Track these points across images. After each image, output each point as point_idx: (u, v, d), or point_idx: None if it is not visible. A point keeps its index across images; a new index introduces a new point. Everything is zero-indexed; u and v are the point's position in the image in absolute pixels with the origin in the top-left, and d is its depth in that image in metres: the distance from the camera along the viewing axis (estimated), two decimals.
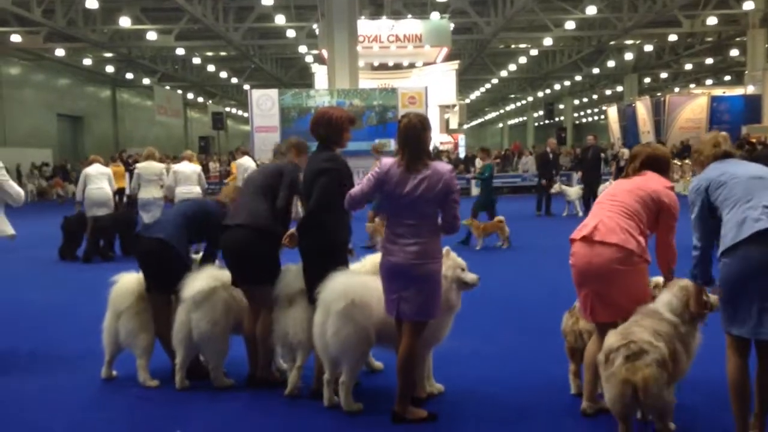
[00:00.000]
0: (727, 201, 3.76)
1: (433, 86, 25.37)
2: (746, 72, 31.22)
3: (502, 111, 68.74)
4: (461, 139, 34.82)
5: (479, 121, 74.54)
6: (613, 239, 4.15)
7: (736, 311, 3.67)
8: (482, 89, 52.82)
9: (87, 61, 36.26)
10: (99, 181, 11.68)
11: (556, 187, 17.07)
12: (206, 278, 5.01)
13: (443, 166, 4.28)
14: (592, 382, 4.34)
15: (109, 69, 39.17)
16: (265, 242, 4.92)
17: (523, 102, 60.33)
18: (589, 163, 16.77)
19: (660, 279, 4.49)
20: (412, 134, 4.24)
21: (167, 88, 42.37)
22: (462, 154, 30.95)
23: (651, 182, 4.32)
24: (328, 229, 4.66)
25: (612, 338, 3.84)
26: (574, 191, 17.02)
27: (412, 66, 30.24)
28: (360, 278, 4.58)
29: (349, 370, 4.47)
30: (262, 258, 4.92)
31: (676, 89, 42.66)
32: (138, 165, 12.24)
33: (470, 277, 4.65)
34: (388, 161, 4.33)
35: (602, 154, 17.68)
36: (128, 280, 5.33)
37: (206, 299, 4.95)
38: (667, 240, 4.32)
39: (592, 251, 4.18)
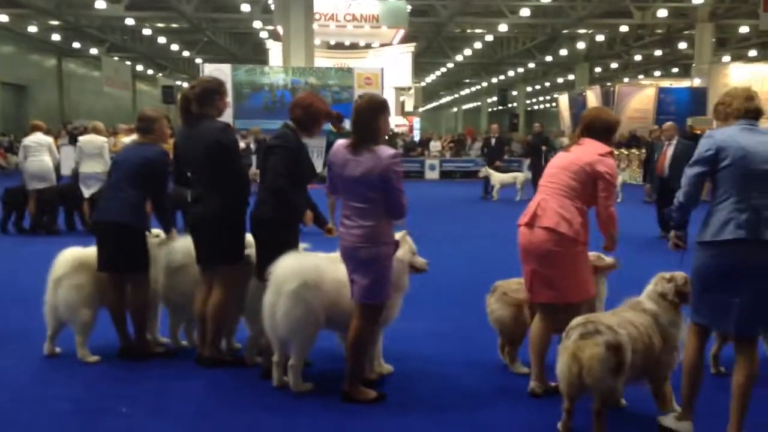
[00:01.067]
0: (723, 186, 3.69)
1: (389, 68, 25.33)
2: (693, 65, 32.04)
3: (456, 95, 69.05)
4: (416, 122, 34.89)
5: (434, 104, 74.72)
6: (545, 223, 4.30)
7: (702, 302, 3.78)
8: (438, 73, 52.93)
9: (32, 29, 34.96)
10: (38, 152, 11.25)
11: (483, 171, 17.81)
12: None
13: (385, 152, 4.15)
14: (538, 363, 4.45)
15: (56, 37, 37.84)
16: (222, 223, 4.88)
17: (478, 87, 60.71)
18: (533, 150, 17.65)
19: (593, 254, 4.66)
20: (360, 116, 4.19)
21: (116, 59, 41.19)
22: (417, 137, 31.04)
23: (585, 154, 4.35)
24: (276, 206, 4.67)
25: (577, 318, 3.91)
26: (499, 176, 17.68)
27: (368, 46, 30.10)
28: (313, 259, 4.57)
29: (298, 351, 4.47)
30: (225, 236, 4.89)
31: (626, 79, 43.56)
32: (80, 138, 11.84)
33: (420, 261, 4.72)
34: (341, 142, 4.30)
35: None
36: (69, 254, 5.21)
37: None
38: (606, 207, 4.32)
39: (531, 234, 4.38)
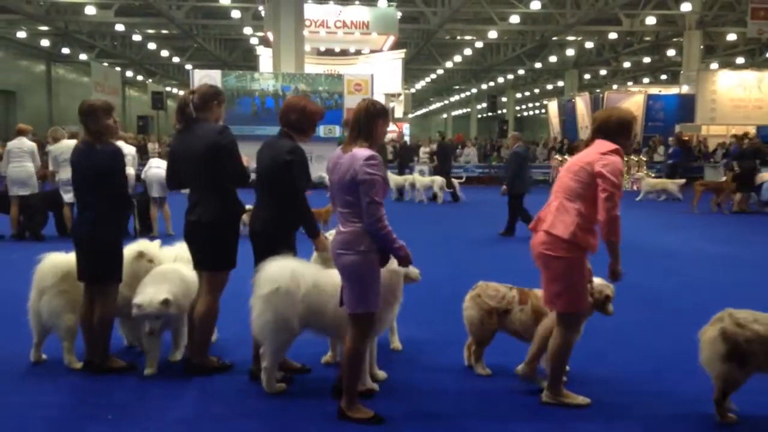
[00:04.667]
0: None
1: (379, 74, 25.29)
2: (681, 72, 32.24)
3: (446, 102, 69.18)
4: (406, 128, 34.91)
5: (424, 111, 74.84)
6: (544, 226, 4.32)
7: None
8: (428, 79, 53.04)
9: (21, 34, 34.84)
10: (20, 158, 11.16)
11: (410, 177, 19.91)
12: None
13: (360, 153, 3.99)
14: (536, 354, 4.68)
15: (45, 43, 37.71)
16: (218, 230, 4.87)
17: (467, 93, 60.85)
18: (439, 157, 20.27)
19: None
20: (358, 117, 4.11)
21: (105, 64, 41.02)
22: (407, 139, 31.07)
23: (588, 154, 4.27)
24: (281, 221, 4.76)
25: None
26: (421, 180, 19.53)
27: (358, 53, 30.11)
28: (293, 266, 4.50)
29: (269, 354, 4.52)
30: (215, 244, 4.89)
31: (615, 86, 43.78)
32: (50, 148, 11.47)
33: (414, 272, 4.70)
34: (339, 148, 4.25)
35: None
36: (53, 259, 5.16)
37: None
38: (606, 209, 4.06)
39: (535, 238, 4.42)
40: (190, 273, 5.11)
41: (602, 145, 4.25)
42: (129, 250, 5.27)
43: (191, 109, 4.89)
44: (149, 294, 4.77)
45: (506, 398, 4.60)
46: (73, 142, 11.25)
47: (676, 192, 19.03)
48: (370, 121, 4.09)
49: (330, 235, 4.96)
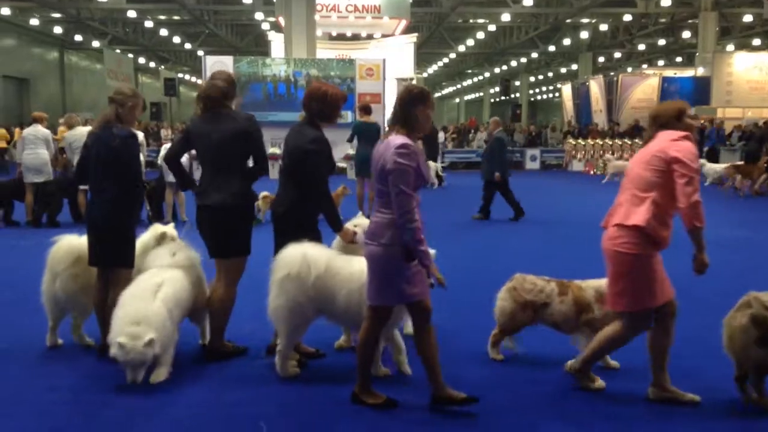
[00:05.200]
0: None
1: (391, 58, 25.17)
2: (697, 54, 31.88)
3: (459, 86, 68.83)
4: None
5: (436, 95, 74.56)
6: (616, 220, 4.15)
7: None
8: (440, 63, 52.76)
9: (34, 22, 34.94)
10: (35, 145, 11.30)
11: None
12: None
13: (393, 141, 3.91)
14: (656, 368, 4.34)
15: (57, 30, 37.83)
16: (240, 216, 4.91)
17: (480, 78, 60.50)
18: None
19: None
20: (398, 102, 4.03)
21: (118, 51, 41.15)
22: None
23: (657, 144, 4.10)
24: (303, 205, 4.80)
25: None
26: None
27: (370, 37, 29.95)
28: (305, 251, 4.49)
29: (282, 338, 4.58)
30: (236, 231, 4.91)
31: (629, 69, 43.37)
32: (65, 135, 11.67)
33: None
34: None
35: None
36: (66, 242, 5.22)
37: None
38: (686, 195, 3.87)
39: (606, 234, 4.24)
40: (182, 277, 4.91)
41: (669, 134, 4.09)
42: (149, 233, 5.30)
43: (218, 97, 4.87)
44: (132, 332, 4.33)
45: (526, 386, 4.58)
46: (87, 129, 11.39)
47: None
48: (406, 107, 3.97)
49: (350, 225, 5.04)
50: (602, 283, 4.59)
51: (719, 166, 18.90)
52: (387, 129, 4.09)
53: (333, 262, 4.52)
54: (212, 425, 4.02)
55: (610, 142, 24.84)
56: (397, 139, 3.91)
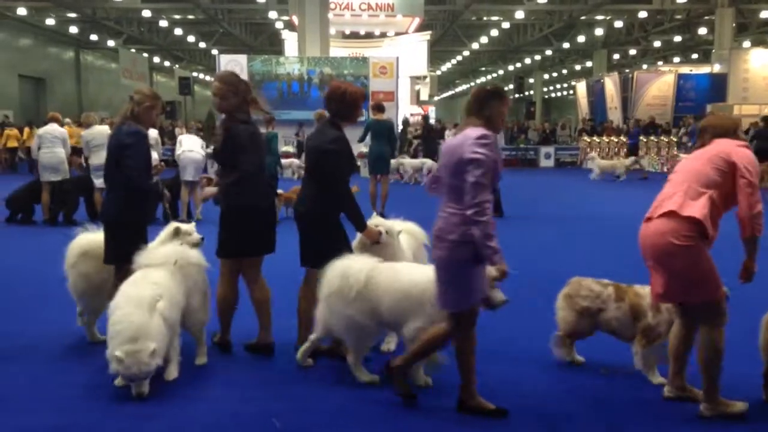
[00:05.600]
0: None
1: (404, 56, 25.18)
2: (713, 50, 31.60)
3: (472, 83, 68.57)
4: (431, 111, 34.76)
5: (450, 93, 74.39)
6: (660, 211, 4.00)
7: None
8: (453, 61, 52.66)
9: (50, 21, 35.23)
10: (51, 144, 11.41)
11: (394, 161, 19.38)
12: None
13: (471, 132, 3.77)
14: (681, 366, 4.27)
15: (73, 30, 38.10)
16: (268, 215, 5.01)
17: (494, 75, 60.28)
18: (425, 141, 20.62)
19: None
20: (472, 98, 3.95)
21: (133, 51, 41.41)
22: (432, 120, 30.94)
23: (719, 146, 4.05)
24: (324, 204, 4.78)
25: None
26: (408, 163, 19.61)
27: (383, 35, 29.96)
28: (345, 266, 4.45)
29: (350, 349, 4.55)
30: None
31: (645, 66, 43.06)
32: (83, 133, 11.78)
33: (496, 296, 4.03)
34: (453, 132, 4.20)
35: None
36: (79, 239, 5.30)
37: None
38: (751, 202, 3.81)
39: (651, 227, 4.06)
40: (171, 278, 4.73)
41: (730, 141, 4.05)
42: (165, 230, 5.30)
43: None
44: (133, 347, 4.13)
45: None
46: (104, 128, 11.51)
47: (623, 172, 19.90)
48: (480, 103, 3.90)
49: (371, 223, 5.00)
50: None
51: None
52: (460, 125, 4.00)
53: (375, 273, 4.44)
54: (225, 419, 4.04)
55: (625, 140, 24.68)
56: (476, 130, 3.79)
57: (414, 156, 21.69)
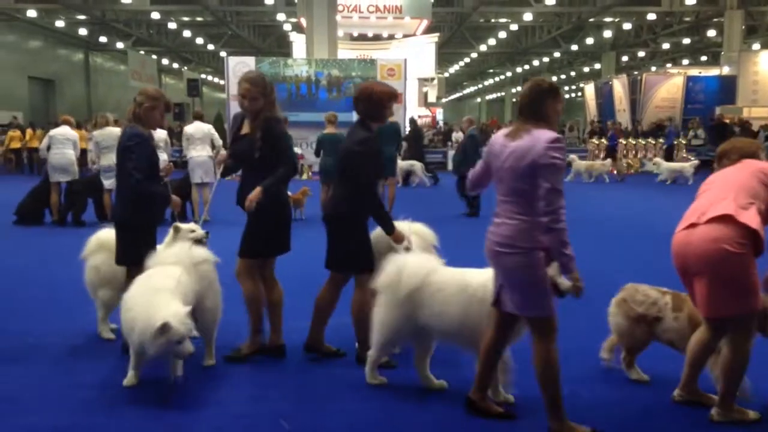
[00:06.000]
0: None
1: (412, 58, 25.17)
2: (722, 53, 31.46)
3: (480, 86, 68.56)
4: (439, 113, 34.74)
5: (457, 95, 74.33)
6: (717, 211, 3.85)
7: None
8: (461, 63, 52.61)
9: (59, 23, 35.40)
10: (62, 145, 11.51)
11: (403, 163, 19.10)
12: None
13: (543, 134, 3.57)
14: (694, 375, 4.18)
15: (82, 32, 38.29)
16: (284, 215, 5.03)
17: (502, 77, 60.20)
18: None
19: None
20: (526, 96, 3.75)
21: (142, 53, 41.56)
22: (440, 123, 30.98)
23: (756, 164, 4.05)
24: (351, 206, 4.76)
25: None
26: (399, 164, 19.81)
27: (391, 37, 29.97)
28: (403, 262, 4.38)
29: (374, 346, 4.47)
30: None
31: (653, 68, 42.89)
32: (95, 133, 11.86)
33: (566, 284, 3.77)
34: (502, 131, 3.88)
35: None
36: (99, 233, 5.44)
37: None
38: None
39: (697, 233, 3.91)
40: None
41: (760, 161, 4.11)
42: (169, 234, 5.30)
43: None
44: (172, 309, 4.16)
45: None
46: (115, 130, 11.57)
47: (605, 173, 20.27)
48: (536, 101, 3.71)
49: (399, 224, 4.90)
50: None
51: (676, 165, 20.18)
52: (515, 126, 3.77)
53: (435, 277, 4.29)
54: (232, 421, 4.04)
55: (634, 142, 24.59)
56: (546, 132, 3.59)
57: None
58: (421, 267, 4.35)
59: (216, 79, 54.92)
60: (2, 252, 9.33)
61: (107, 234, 5.36)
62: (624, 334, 4.61)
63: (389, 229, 4.78)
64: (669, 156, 22.69)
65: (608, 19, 36.07)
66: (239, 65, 22.53)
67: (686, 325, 4.37)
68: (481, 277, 4.13)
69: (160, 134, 11.48)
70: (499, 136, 3.83)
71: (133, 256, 4.92)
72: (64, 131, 11.69)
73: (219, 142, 12.27)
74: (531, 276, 3.62)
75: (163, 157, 10.64)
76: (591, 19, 35.00)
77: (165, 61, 46.97)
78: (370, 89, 4.86)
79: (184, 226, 5.28)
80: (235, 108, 22.60)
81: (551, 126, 3.69)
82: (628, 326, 4.56)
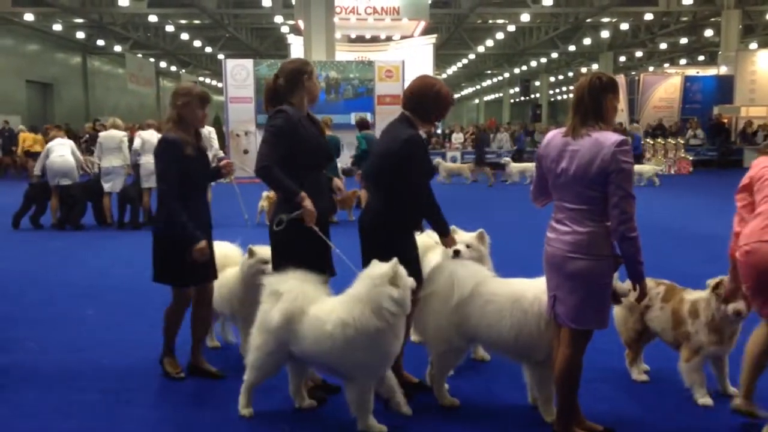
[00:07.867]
0: None
1: (410, 60, 25.16)
2: (720, 52, 31.49)
3: (478, 87, 68.64)
4: None
5: (456, 96, 74.34)
6: None
7: None
8: (459, 64, 52.65)
9: (57, 27, 35.38)
10: (62, 149, 11.61)
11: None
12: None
13: (608, 137, 3.35)
14: (753, 379, 3.98)
15: (80, 35, 38.26)
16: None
17: (500, 78, 60.28)
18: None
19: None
20: (583, 94, 3.46)
21: (139, 56, 41.56)
22: (439, 129, 30.94)
23: None
24: (391, 214, 4.21)
25: None
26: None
27: (389, 39, 29.98)
28: (453, 268, 4.19)
29: (435, 361, 4.25)
30: None
31: (651, 68, 42.95)
32: (101, 134, 12.05)
33: (621, 287, 3.70)
34: (556, 131, 3.63)
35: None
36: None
37: None
38: None
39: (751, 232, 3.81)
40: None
41: None
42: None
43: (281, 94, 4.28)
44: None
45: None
46: (119, 132, 11.66)
47: (467, 175, 20.48)
48: (596, 98, 3.44)
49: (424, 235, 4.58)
50: (702, 295, 4.27)
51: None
52: (571, 126, 3.50)
53: (486, 287, 4.09)
54: (234, 426, 4.04)
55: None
56: (611, 135, 3.39)
57: None
58: (474, 274, 4.14)
59: (214, 82, 54.94)
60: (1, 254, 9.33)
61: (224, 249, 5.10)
62: (620, 324, 4.65)
63: (444, 231, 4.32)
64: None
65: (605, 20, 36.11)
66: (237, 68, 22.58)
67: (669, 317, 4.40)
68: (536, 289, 3.91)
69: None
70: (555, 139, 3.56)
71: (172, 273, 4.57)
72: (59, 140, 11.93)
73: (216, 144, 12.28)
74: (597, 284, 3.48)
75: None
76: (588, 20, 35.04)
77: (163, 64, 46.97)
78: (438, 87, 4.27)
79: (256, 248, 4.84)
80: (234, 110, 22.61)
81: (609, 125, 3.50)
82: (622, 316, 4.63)
